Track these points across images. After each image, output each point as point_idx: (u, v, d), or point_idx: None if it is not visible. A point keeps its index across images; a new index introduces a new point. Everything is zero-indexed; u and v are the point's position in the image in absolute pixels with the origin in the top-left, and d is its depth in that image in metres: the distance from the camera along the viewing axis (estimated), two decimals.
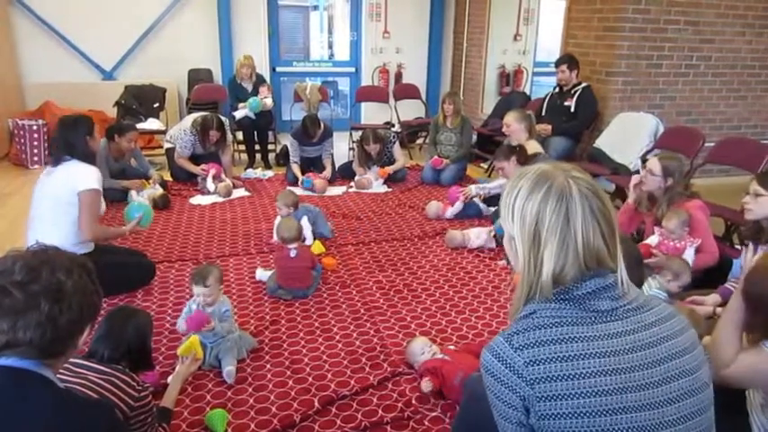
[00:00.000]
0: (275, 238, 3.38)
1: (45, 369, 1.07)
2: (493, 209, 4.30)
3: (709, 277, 2.82)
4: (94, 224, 2.84)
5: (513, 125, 4.32)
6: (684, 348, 1.05)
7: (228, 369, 2.32)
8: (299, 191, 4.85)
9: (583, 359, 0.99)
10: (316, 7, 9.46)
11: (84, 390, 1.42)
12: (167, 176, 5.13)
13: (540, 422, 0.99)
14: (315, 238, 3.76)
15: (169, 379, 2.24)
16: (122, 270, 3.00)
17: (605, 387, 0.98)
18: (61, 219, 2.76)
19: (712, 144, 4.35)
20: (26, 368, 1.05)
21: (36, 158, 5.68)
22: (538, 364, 0.99)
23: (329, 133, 5.26)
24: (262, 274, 3.25)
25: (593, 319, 1.02)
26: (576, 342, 1.00)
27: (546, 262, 1.03)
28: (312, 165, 5.29)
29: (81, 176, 2.77)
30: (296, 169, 5.20)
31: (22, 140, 5.64)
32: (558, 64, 5.07)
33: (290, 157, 5.28)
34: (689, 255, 2.75)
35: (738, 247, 3.49)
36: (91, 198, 2.77)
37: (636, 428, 0.98)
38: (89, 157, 2.85)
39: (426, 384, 2.21)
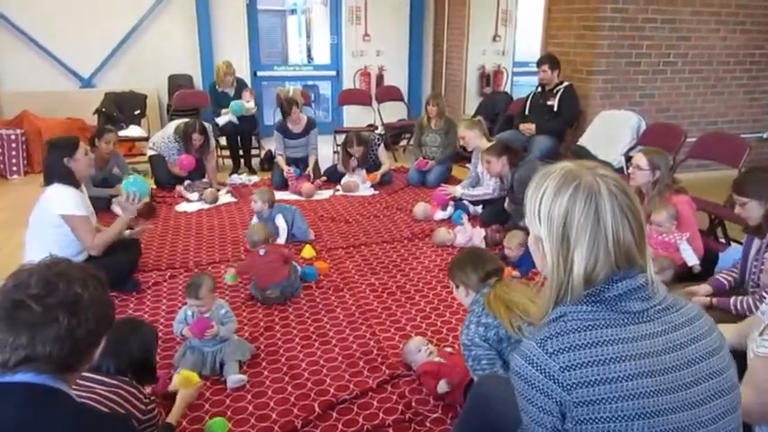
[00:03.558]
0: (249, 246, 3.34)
1: (62, 383, 1.06)
2: (481, 209, 4.34)
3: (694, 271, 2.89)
4: (94, 239, 2.95)
5: (467, 134, 4.50)
6: (714, 349, 1.05)
7: (239, 378, 2.33)
8: (286, 195, 4.86)
9: (619, 362, 0.98)
10: (293, 11, 9.43)
11: (92, 403, 1.40)
12: (151, 184, 5.06)
13: (576, 427, 0.98)
14: (287, 239, 3.82)
15: (170, 387, 2.23)
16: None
17: (642, 390, 0.97)
18: (49, 240, 2.85)
19: (692, 140, 4.44)
20: (44, 383, 1.03)
21: (15, 168, 5.57)
22: (574, 369, 0.97)
23: (312, 125, 5.33)
24: (230, 277, 3.24)
25: (625, 320, 1.02)
26: (612, 345, 0.99)
27: (576, 262, 1.02)
28: (297, 166, 5.28)
29: (58, 200, 2.88)
30: (281, 162, 5.22)
31: (0, 150, 5.52)
32: (539, 64, 5.13)
33: (275, 151, 5.32)
34: (685, 248, 2.80)
35: (723, 240, 3.58)
36: (76, 221, 2.88)
37: (672, 430, 0.98)
38: (68, 179, 2.93)
39: (443, 385, 2.19)
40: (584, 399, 0.97)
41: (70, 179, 2.92)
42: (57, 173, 2.92)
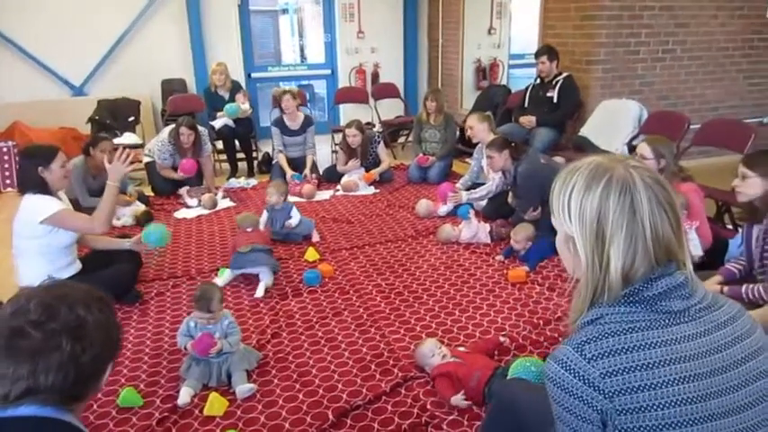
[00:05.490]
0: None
1: (68, 415, 0.98)
2: (484, 203, 4.29)
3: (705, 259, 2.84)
4: (92, 220, 2.87)
5: (477, 126, 4.45)
6: (759, 348, 1.00)
7: (248, 387, 2.28)
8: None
9: (663, 366, 0.92)
10: (285, 11, 9.35)
11: None
12: (149, 191, 4.99)
13: None
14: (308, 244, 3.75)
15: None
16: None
17: (688, 395, 0.92)
18: (35, 254, 2.80)
19: (695, 127, 4.39)
20: (50, 416, 0.96)
21: (8, 181, 5.48)
22: (616, 375, 0.92)
23: (310, 122, 5.31)
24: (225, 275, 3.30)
25: (666, 321, 0.96)
26: (655, 348, 0.94)
27: (613, 259, 0.96)
28: (296, 168, 5.22)
29: (35, 209, 2.74)
30: (282, 160, 5.18)
31: None
32: (537, 55, 5.07)
33: (274, 147, 5.29)
34: (692, 237, 2.75)
35: (730, 227, 3.53)
36: (61, 216, 2.77)
37: None
38: (42, 189, 2.79)
39: (459, 400, 2.13)
40: (628, 406, 0.92)
41: (44, 189, 2.78)
42: (30, 182, 2.77)
